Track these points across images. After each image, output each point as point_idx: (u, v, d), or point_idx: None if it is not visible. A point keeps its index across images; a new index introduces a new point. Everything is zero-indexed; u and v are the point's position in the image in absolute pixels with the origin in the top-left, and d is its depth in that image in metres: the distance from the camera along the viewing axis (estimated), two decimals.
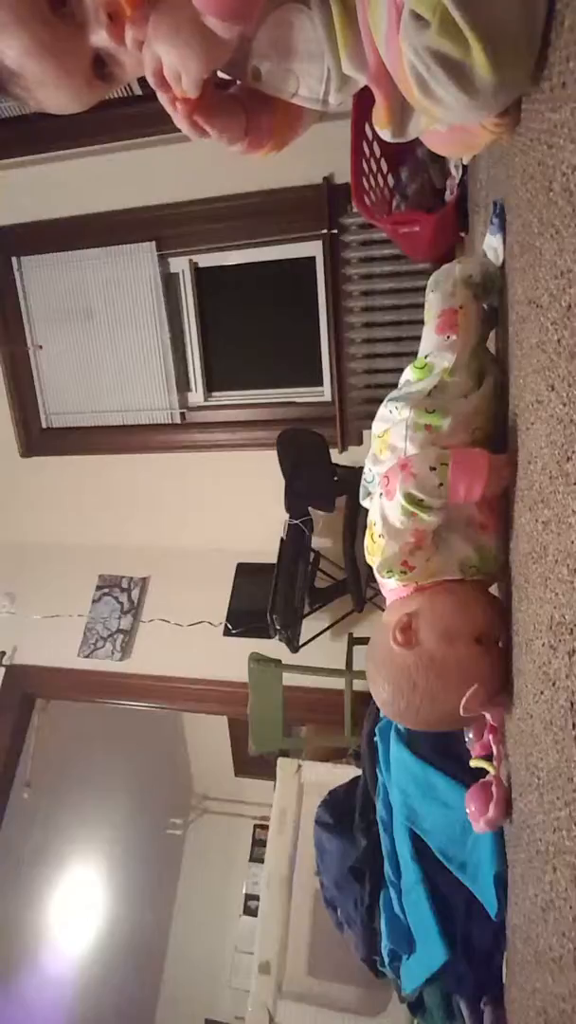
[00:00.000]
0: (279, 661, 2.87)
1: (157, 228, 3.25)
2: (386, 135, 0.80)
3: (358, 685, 2.85)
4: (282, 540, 3.06)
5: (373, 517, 0.92)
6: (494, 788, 0.94)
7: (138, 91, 2.91)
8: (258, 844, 5.20)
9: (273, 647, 2.95)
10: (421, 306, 1.06)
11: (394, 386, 1.00)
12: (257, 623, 3.01)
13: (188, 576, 3.57)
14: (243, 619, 3.30)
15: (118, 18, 0.69)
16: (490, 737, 1.01)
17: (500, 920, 1.06)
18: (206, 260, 3.34)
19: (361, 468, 1.02)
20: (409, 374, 0.98)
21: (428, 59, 0.62)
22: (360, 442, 3.26)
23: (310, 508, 3.09)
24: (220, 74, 0.79)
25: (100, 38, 0.70)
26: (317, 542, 3.19)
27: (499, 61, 0.61)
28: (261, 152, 0.87)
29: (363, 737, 1.66)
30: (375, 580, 0.97)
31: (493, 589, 0.96)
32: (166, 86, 0.72)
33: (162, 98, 0.74)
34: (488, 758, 1.00)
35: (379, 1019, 2.28)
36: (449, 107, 0.65)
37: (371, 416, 1.00)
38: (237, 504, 3.51)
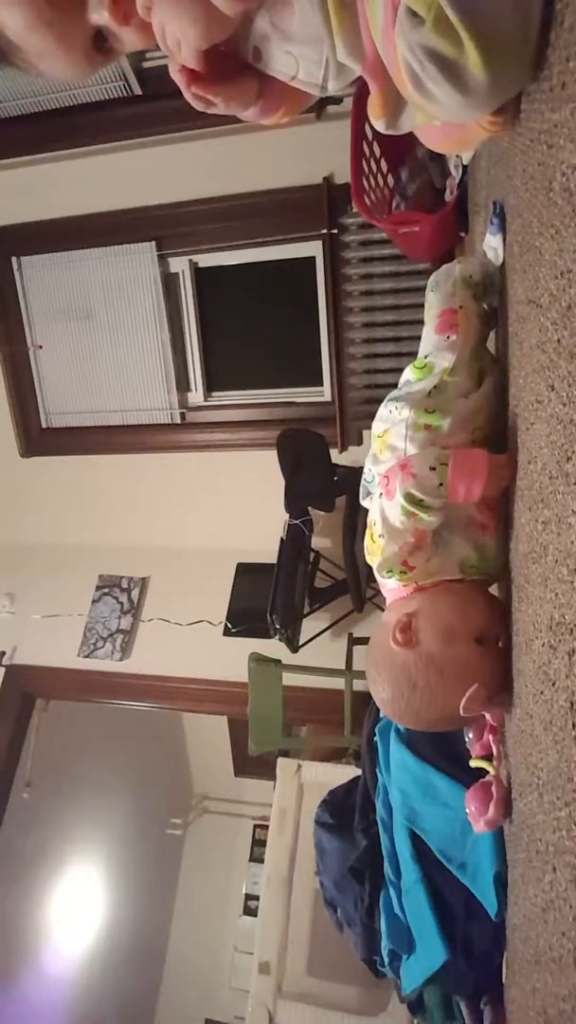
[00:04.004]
0: (279, 661, 2.87)
1: (157, 228, 3.25)
2: (379, 126, 0.80)
3: (358, 685, 2.85)
4: (282, 540, 3.06)
5: (373, 517, 0.92)
6: (494, 788, 0.94)
7: (138, 91, 2.91)
8: (258, 844, 5.20)
9: (273, 647, 2.95)
10: (421, 306, 1.06)
11: (394, 386, 1.00)
12: (257, 623, 3.01)
13: (188, 576, 3.57)
14: (243, 619, 3.30)
15: None
16: (490, 737, 1.01)
17: (500, 920, 1.06)
18: (206, 260, 3.34)
19: (361, 468, 1.02)
20: (409, 374, 0.98)
21: (422, 56, 0.62)
22: (360, 442, 3.26)
23: (310, 508, 3.09)
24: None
25: (102, 17, 0.72)
26: (317, 542, 3.19)
27: (492, 60, 0.61)
28: (274, 117, 0.87)
29: (363, 737, 1.66)
30: (375, 580, 0.97)
31: (493, 589, 0.96)
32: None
33: (171, 65, 0.76)
34: (488, 758, 1.00)
35: (379, 1019, 2.28)
36: (443, 104, 0.65)
37: (371, 416, 1.00)
38: (237, 504, 3.51)
